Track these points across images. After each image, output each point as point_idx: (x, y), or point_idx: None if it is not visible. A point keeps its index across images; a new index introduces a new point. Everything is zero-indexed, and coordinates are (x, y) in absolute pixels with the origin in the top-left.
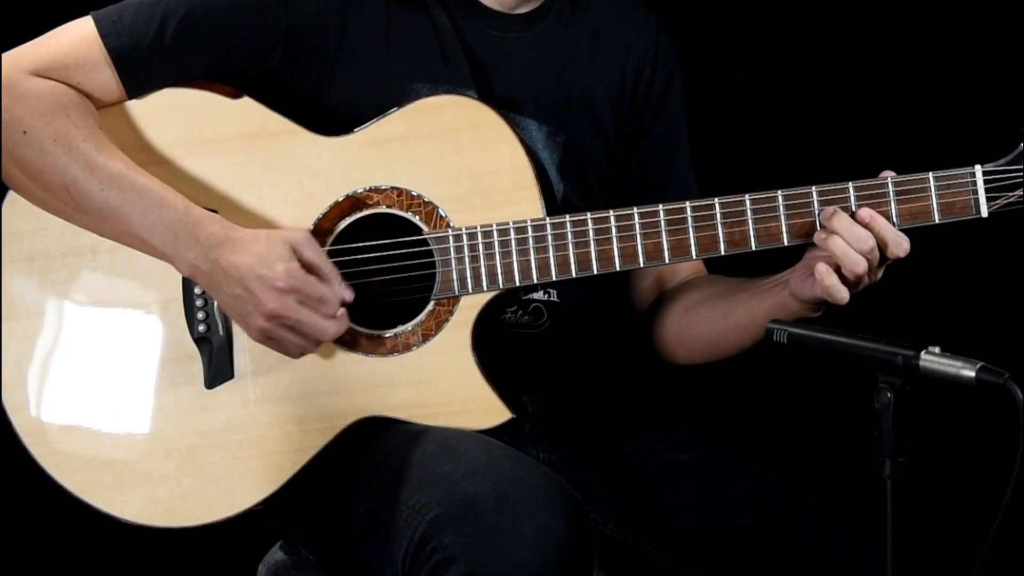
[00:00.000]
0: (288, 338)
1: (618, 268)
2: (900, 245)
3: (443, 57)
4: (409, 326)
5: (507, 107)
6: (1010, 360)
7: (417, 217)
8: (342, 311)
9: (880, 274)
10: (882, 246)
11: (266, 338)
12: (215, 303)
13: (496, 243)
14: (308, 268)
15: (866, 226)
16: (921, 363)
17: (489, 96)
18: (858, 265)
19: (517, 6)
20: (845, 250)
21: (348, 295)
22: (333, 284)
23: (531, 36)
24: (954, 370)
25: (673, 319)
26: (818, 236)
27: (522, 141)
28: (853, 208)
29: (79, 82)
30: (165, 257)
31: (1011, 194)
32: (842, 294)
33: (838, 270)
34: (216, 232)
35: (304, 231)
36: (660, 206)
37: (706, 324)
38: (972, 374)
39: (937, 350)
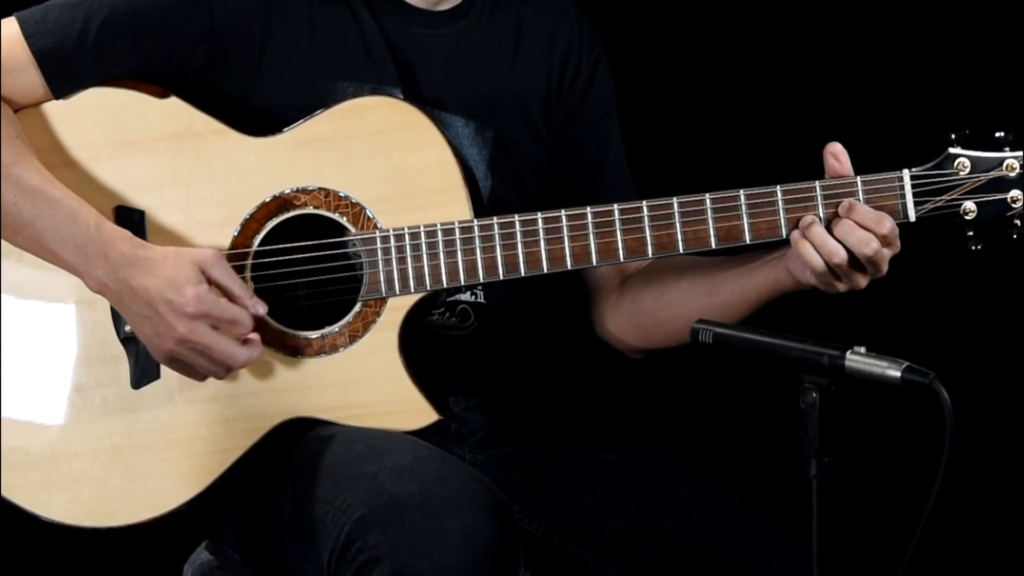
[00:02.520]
0: (197, 361)
1: (546, 271)
2: (882, 223)
3: (368, 55)
4: (336, 327)
5: (433, 104)
6: (936, 360)
7: (344, 218)
8: (255, 336)
9: (884, 267)
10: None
11: (172, 360)
12: None
13: (423, 245)
14: (218, 287)
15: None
16: (847, 363)
17: (414, 93)
18: (836, 255)
19: (440, 3)
20: (824, 243)
21: (261, 309)
22: (244, 302)
23: (454, 32)
24: (879, 370)
25: (648, 301)
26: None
27: (450, 142)
28: (782, 218)
29: (1, 83)
30: (76, 272)
31: (938, 199)
32: (834, 288)
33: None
34: (126, 251)
35: (212, 250)
36: (588, 208)
37: (688, 304)
38: (897, 374)
39: (863, 350)
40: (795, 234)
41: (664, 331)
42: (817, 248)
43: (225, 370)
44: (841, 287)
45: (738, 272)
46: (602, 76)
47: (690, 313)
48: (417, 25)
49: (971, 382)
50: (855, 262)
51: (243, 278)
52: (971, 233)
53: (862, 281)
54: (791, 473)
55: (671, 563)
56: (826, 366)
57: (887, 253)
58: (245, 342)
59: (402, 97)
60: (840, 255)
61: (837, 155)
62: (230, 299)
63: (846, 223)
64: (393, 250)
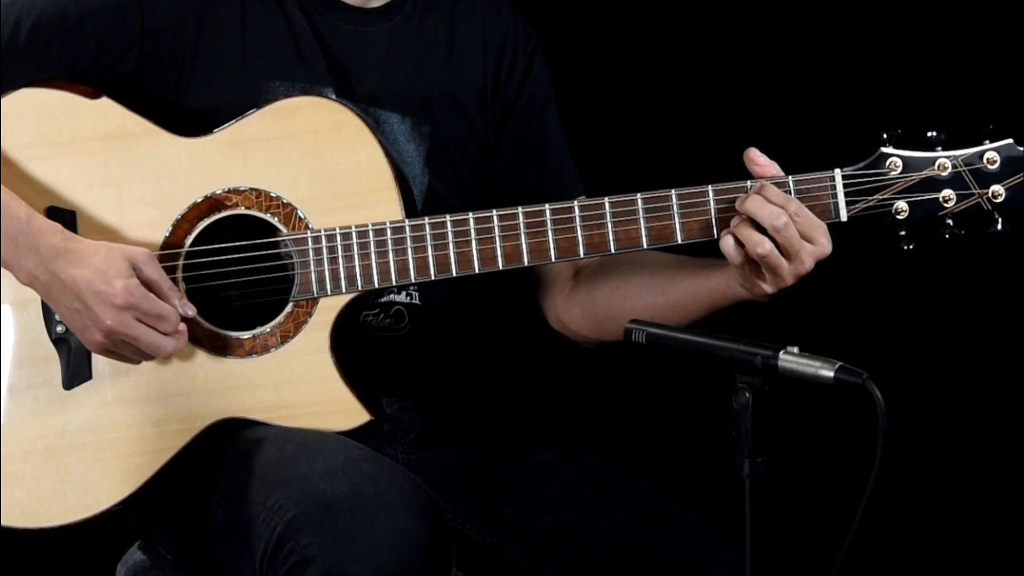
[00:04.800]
0: (126, 353)
1: (477, 271)
2: (789, 203)
3: (299, 55)
4: (268, 327)
5: (367, 101)
6: (870, 360)
7: (276, 218)
8: (182, 326)
9: (807, 260)
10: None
11: (105, 351)
12: None
13: (355, 245)
14: (147, 285)
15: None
16: (780, 363)
17: (348, 91)
18: (759, 245)
19: (372, 0)
20: (748, 236)
21: (190, 311)
22: (173, 301)
23: (387, 29)
24: (813, 370)
25: (603, 295)
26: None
27: (381, 143)
28: (714, 218)
29: None
30: (6, 265)
31: (870, 198)
32: (759, 289)
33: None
34: (56, 243)
35: (145, 249)
36: (519, 208)
37: (642, 301)
38: (831, 374)
39: (796, 350)
40: (723, 232)
41: (618, 325)
42: (742, 240)
43: (153, 358)
44: (767, 287)
45: (694, 272)
46: (538, 68)
47: (644, 310)
48: (350, 23)
49: (905, 382)
50: (777, 255)
51: (174, 278)
52: (903, 233)
53: (788, 277)
54: (724, 473)
55: (604, 564)
56: (759, 366)
57: (811, 247)
58: (172, 334)
59: (334, 96)
60: (763, 245)
61: (755, 160)
62: (159, 297)
63: (755, 198)
64: (324, 250)
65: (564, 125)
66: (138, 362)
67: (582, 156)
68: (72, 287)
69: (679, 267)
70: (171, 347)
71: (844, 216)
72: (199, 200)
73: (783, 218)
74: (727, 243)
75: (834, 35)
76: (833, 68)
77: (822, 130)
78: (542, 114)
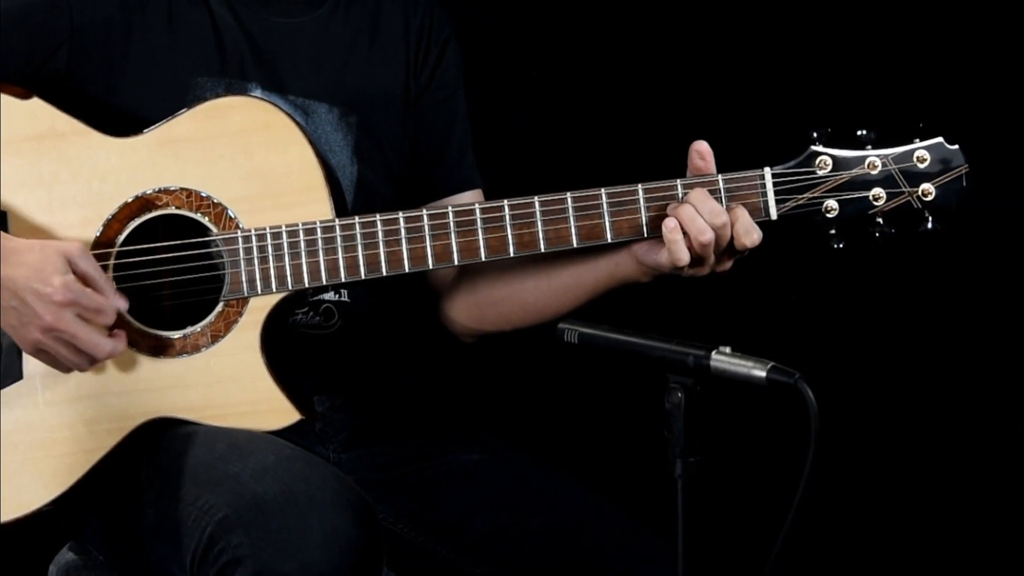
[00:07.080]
0: (62, 352)
1: (407, 270)
2: (750, 235)
3: (225, 49)
4: (198, 327)
5: (295, 92)
6: (803, 359)
7: (206, 218)
8: (121, 333)
9: (728, 265)
10: (733, 231)
11: (38, 351)
12: None
13: (285, 244)
14: (83, 280)
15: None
16: (712, 363)
17: (274, 82)
18: (703, 234)
19: None
20: (692, 216)
21: (123, 304)
22: (108, 294)
23: (314, 19)
24: (745, 370)
25: (485, 281)
26: (671, 206)
27: (311, 142)
28: (643, 216)
29: None
30: None
31: (800, 197)
32: (682, 254)
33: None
34: None
35: (79, 243)
36: (449, 208)
37: (524, 286)
38: (763, 374)
39: (728, 350)
40: (670, 209)
41: (499, 312)
42: (686, 228)
43: (89, 361)
44: (690, 269)
45: (580, 258)
46: (450, 58)
47: (526, 295)
48: (277, 15)
49: (837, 381)
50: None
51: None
52: (833, 231)
53: (711, 269)
54: (657, 473)
55: (536, 563)
56: (691, 366)
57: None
58: (111, 335)
59: (261, 90)
60: (706, 234)
61: (703, 154)
62: (94, 290)
63: (687, 209)
64: (255, 250)
65: (538, 123)
66: (68, 370)
67: (556, 154)
68: (9, 285)
69: (564, 253)
70: (108, 348)
71: (774, 215)
72: (130, 200)
73: (709, 234)
74: (669, 223)
75: (810, 33)
76: (809, 64)
77: (752, 128)
78: (448, 103)
